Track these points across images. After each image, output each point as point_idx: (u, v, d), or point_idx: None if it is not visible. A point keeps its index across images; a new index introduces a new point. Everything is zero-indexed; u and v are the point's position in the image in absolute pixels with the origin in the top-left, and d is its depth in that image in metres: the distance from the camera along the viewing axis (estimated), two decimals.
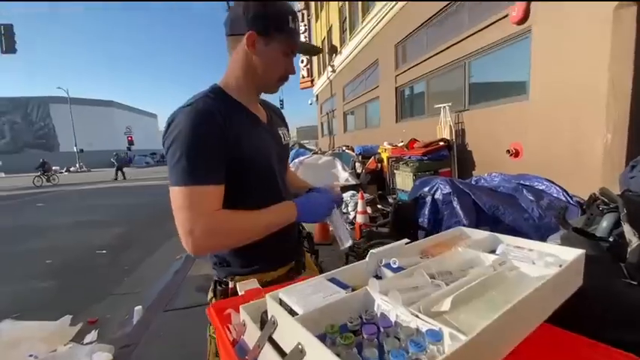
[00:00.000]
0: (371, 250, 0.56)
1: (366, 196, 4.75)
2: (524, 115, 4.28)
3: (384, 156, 6.48)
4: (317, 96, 19.92)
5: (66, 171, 31.43)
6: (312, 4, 18.86)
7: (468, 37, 5.29)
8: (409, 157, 5.41)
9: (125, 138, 40.47)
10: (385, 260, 0.54)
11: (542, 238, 1.76)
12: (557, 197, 3.53)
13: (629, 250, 0.62)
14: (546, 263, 0.52)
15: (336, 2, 13.46)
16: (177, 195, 0.76)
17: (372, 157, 6.85)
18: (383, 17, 8.54)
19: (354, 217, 4.62)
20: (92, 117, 40.13)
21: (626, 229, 0.63)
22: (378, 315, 0.41)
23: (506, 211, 3.32)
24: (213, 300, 0.98)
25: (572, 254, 0.52)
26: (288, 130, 1.11)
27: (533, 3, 4.01)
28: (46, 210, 9.54)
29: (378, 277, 0.55)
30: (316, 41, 18.75)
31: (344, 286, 0.47)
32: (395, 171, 5.73)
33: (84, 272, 4.14)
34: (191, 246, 0.76)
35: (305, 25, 19.75)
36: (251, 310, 0.53)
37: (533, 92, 4.16)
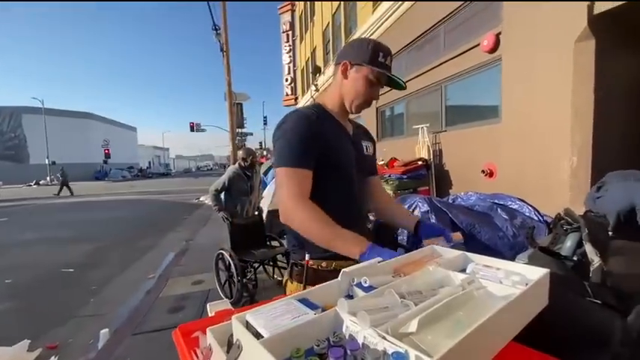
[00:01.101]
0: (343, 269, 0.55)
1: None
2: (497, 138, 4.48)
3: None
4: None
5: (35, 184, 29.79)
6: (297, 26, 19.39)
7: (444, 62, 5.57)
8: (389, 176, 5.51)
9: (102, 151, 39.10)
10: (357, 279, 0.54)
11: (516, 256, 1.81)
12: (530, 216, 3.67)
13: (591, 269, 0.64)
14: (513, 282, 0.53)
15: (320, 25, 13.91)
16: (279, 173, 1.00)
17: None
18: None
19: None
20: (68, 129, 38.65)
21: (588, 248, 0.66)
22: (347, 337, 0.40)
23: (482, 230, 3.42)
24: (289, 282, 1.12)
25: (537, 273, 0.53)
26: (374, 145, 1.29)
27: (502, 35, 4.29)
28: (9, 225, 8.95)
29: (350, 296, 0.55)
30: (300, 62, 19.18)
31: (314, 307, 0.46)
32: None
33: (46, 292, 3.87)
34: (282, 212, 0.99)
35: (289, 46, 20.20)
36: (218, 333, 0.51)
37: (504, 116, 4.39)
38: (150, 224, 8.09)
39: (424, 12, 6.05)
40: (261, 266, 3.53)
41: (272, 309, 0.45)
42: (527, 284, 0.53)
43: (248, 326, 0.43)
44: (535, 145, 3.92)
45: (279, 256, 3.40)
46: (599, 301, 0.60)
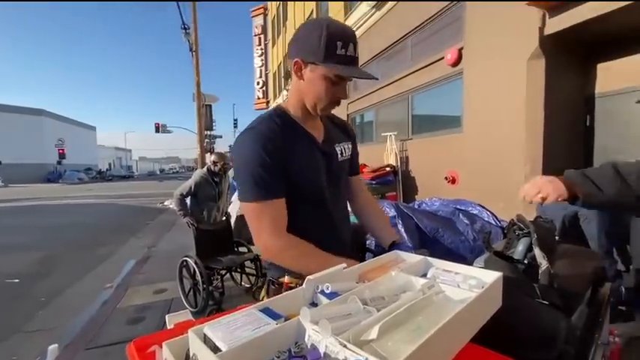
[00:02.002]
0: (308, 277, 0.55)
1: None
2: (459, 146, 4.72)
3: None
4: None
5: None
6: (270, 30, 19.33)
7: (411, 73, 5.79)
8: None
9: (56, 151, 36.22)
10: (321, 286, 0.54)
11: (475, 259, 1.90)
12: (488, 221, 3.91)
13: (540, 271, 0.69)
14: (470, 286, 0.56)
15: (293, 30, 13.96)
16: (247, 209, 0.90)
17: None
18: None
19: None
20: (15, 126, 35.42)
21: (537, 252, 0.71)
22: (309, 346, 0.40)
23: (445, 234, 3.59)
24: (265, 299, 1.02)
25: (491, 277, 0.56)
26: (353, 142, 1.14)
27: (464, 50, 4.55)
28: None
29: (314, 304, 0.54)
30: (272, 65, 19.11)
31: (276, 317, 0.46)
32: None
33: None
34: (261, 249, 0.91)
35: (261, 50, 20.07)
36: (175, 347, 0.48)
37: (466, 126, 4.64)
38: (109, 230, 7.60)
39: (393, 24, 6.27)
40: (228, 273, 3.43)
41: (232, 320, 0.44)
42: (482, 287, 0.55)
43: (206, 339, 0.41)
44: (493, 154, 4.17)
45: (247, 263, 3.33)
46: (546, 302, 0.65)
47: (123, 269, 4.58)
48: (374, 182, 5.47)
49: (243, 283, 3.55)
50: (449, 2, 4.84)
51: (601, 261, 0.95)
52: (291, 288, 0.89)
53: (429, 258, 0.69)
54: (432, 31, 5.43)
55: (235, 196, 5.86)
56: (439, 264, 0.66)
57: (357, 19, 7.50)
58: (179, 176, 43.96)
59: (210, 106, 12.56)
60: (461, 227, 3.77)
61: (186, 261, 3.19)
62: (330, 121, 1.09)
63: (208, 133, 14.25)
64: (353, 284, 0.57)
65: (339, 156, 1.05)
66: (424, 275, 0.64)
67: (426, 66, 5.41)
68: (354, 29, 7.67)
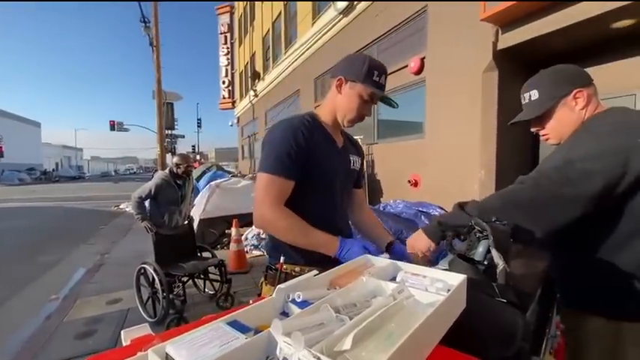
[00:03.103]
0: (279, 286, 0.53)
1: None
2: (421, 151, 4.93)
3: None
4: (238, 118, 19.57)
5: None
6: (236, 28, 18.93)
7: None
8: None
9: None
10: (292, 295, 0.52)
11: (437, 260, 2.00)
12: None
13: (497, 272, 0.73)
14: (437, 289, 0.57)
15: (260, 31, 13.79)
16: (260, 178, 1.03)
17: None
18: (304, 52, 9.05)
19: None
20: None
21: (494, 253, 0.75)
22: (280, 359, 0.38)
23: (409, 235, 3.71)
24: (264, 284, 1.15)
25: (457, 279, 0.58)
26: (362, 159, 1.32)
27: (427, 60, 4.77)
28: None
29: (285, 313, 0.53)
30: (239, 65, 18.70)
31: (245, 329, 0.43)
32: None
33: None
34: (256, 217, 1.03)
35: (227, 48, 19.58)
36: None
37: (428, 132, 4.85)
38: (54, 236, 6.95)
39: (360, 30, 6.42)
40: (190, 280, 3.27)
41: (197, 336, 0.41)
42: (448, 290, 0.57)
43: (168, 359, 0.38)
44: (452, 159, 4.40)
45: (211, 269, 3.20)
46: (505, 300, 0.68)
47: (71, 279, 4.20)
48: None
49: (207, 290, 3.41)
50: (412, 12, 5.05)
51: (549, 261, 1.03)
52: (287, 273, 1.05)
53: (398, 262, 0.70)
54: (396, 40, 5.63)
55: (198, 199, 5.64)
56: (407, 267, 0.67)
57: (325, 23, 7.59)
58: (136, 177, 41.43)
59: (171, 104, 12.00)
60: None
61: (144, 268, 3.00)
62: (347, 137, 1.28)
63: (169, 132, 13.60)
64: (324, 291, 0.57)
65: (352, 164, 1.23)
66: (393, 279, 0.65)
67: (391, 73, 5.59)
68: (322, 33, 7.74)
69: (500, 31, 3.73)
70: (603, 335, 0.95)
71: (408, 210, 4.19)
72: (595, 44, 3.37)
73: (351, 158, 1.23)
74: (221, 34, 19.77)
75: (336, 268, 0.68)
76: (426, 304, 0.52)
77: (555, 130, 1.08)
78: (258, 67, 14.31)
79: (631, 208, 0.88)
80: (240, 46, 18.28)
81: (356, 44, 6.57)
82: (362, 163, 1.32)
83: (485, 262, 0.79)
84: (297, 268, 1.06)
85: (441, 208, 4.05)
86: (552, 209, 0.89)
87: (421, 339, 0.43)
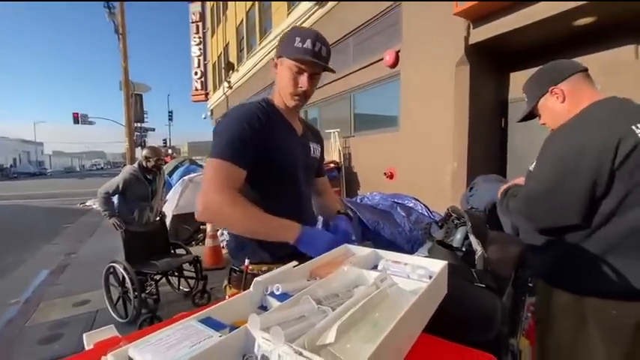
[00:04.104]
0: (256, 278, 0.50)
1: None
2: (396, 144, 5.00)
3: None
4: (212, 110, 18.98)
5: None
6: (208, 17, 18.26)
7: (353, 72, 5.96)
8: None
9: None
10: (270, 287, 0.50)
11: (413, 249, 2.01)
12: (422, 213, 4.22)
13: (476, 257, 0.74)
14: (419, 276, 0.57)
15: (234, 21, 13.38)
16: (208, 164, 0.94)
17: None
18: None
19: None
20: None
21: (473, 240, 0.76)
22: (259, 358, 0.36)
23: (385, 226, 3.79)
24: (228, 288, 1.06)
25: (438, 266, 0.58)
26: (321, 146, 1.25)
27: (401, 53, 4.81)
28: None
29: (264, 307, 0.50)
30: (212, 56, 18.09)
31: (220, 326, 0.40)
32: None
33: None
34: (199, 207, 0.90)
35: (200, 38, 18.87)
36: None
37: (402, 125, 4.93)
38: (14, 236, 6.47)
39: (335, 22, 6.37)
40: (164, 278, 3.15)
41: (165, 336, 0.37)
42: (430, 277, 0.57)
43: None
44: (426, 152, 4.50)
45: (186, 266, 3.10)
46: (483, 285, 0.69)
47: (33, 281, 3.93)
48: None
49: (181, 288, 3.30)
50: (386, 6, 5.06)
51: (523, 245, 1.07)
52: (253, 274, 0.89)
53: (378, 250, 0.69)
54: (371, 33, 5.64)
55: (171, 194, 5.43)
56: (388, 255, 0.66)
57: (300, 14, 7.47)
58: (104, 173, 39.42)
59: (140, 95, 11.41)
60: (398, 219, 4.02)
61: (113, 267, 2.86)
62: (305, 124, 1.21)
63: (139, 125, 12.97)
64: (305, 282, 0.54)
65: (312, 152, 1.16)
66: (374, 268, 0.64)
67: (366, 66, 5.61)
68: (298, 25, 7.64)
69: (471, 26, 3.82)
70: (569, 309, 1.02)
71: (384, 201, 4.25)
72: (560, 40, 3.53)
73: (312, 146, 1.17)
74: (192, 23, 19.01)
75: (316, 258, 0.66)
76: (410, 292, 0.51)
77: (550, 122, 1.15)
78: (232, 58, 13.91)
79: (614, 192, 0.93)
80: (212, 35, 17.66)
81: (330, 37, 6.51)
82: (322, 152, 1.26)
83: (464, 249, 0.80)
84: (265, 267, 0.97)
85: (416, 200, 4.14)
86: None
87: (407, 327, 0.41)
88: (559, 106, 1.10)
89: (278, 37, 1.09)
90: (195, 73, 19.36)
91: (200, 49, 18.97)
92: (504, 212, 1.12)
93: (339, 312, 0.40)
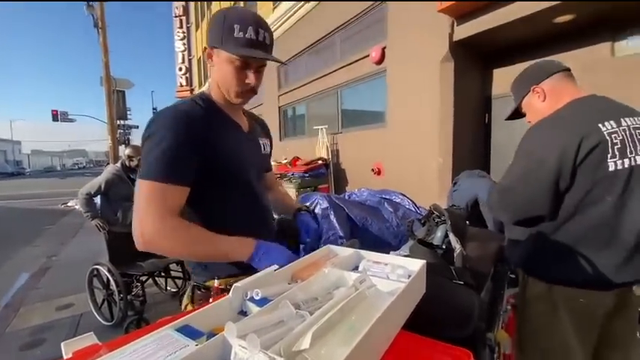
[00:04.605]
0: (235, 284, 0.50)
1: None
2: (383, 140, 5.04)
3: None
4: None
5: None
6: (192, 11, 17.87)
7: (340, 69, 5.95)
8: (292, 174, 5.61)
9: None
10: (250, 292, 0.50)
11: (400, 244, 2.04)
12: (409, 208, 4.29)
13: (455, 255, 0.76)
14: (398, 276, 0.58)
15: None
16: (141, 186, 0.79)
17: None
18: None
19: None
20: None
21: (451, 237, 0.78)
22: None
23: (373, 222, 3.83)
24: (189, 307, 0.94)
25: (416, 265, 0.59)
26: (270, 141, 1.15)
27: (387, 50, 4.83)
28: None
29: (243, 312, 0.50)
30: (197, 50, 17.75)
31: (197, 335, 0.40)
32: None
33: None
34: (137, 239, 0.79)
35: (184, 33, 18.47)
36: None
37: (389, 121, 4.96)
38: None
39: (322, 18, 6.34)
40: (150, 279, 3.11)
41: (141, 347, 0.37)
42: (409, 276, 0.58)
43: None
44: (412, 148, 4.55)
45: (173, 266, 3.06)
46: (462, 282, 0.71)
47: (13, 285, 3.81)
48: (307, 175, 5.54)
49: (169, 288, 3.26)
50: (372, 2, 5.06)
51: (502, 241, 1.10)
52: (222, 289, 0.84)
53: (360, 250, 0.70)
54: (358, 29, 5.64)
55: None
56: (369, 256, 0.67)
57: (285, 10, 7.39)
58: (86, 172, 38.37)
59: (122, 92, 11.12)
60: (386, 215, 4.07)
61: (97, 269, 2.80)
62: (251, 117, 1.10)
63: (122, 122, 12.66)
64: (285, 286, 0.55)
65: (262, 149, 1.07)
66: (356, 268, 0.64)
67: (353, 62, 5.61)
68: (283, 20, 7.55)
69: (455, 23, 3.86)
70: (541, 297, 1.07)
71: (372, 198, 4.29)
72: (541, 38, 3.61)
73: (261, 142, 1.06)
74: (176, 17, 18.57)
75: (298, 260, 0.66)
76: (388, 293, 0.52)
77: (533, 120, 1.19)
78: None
79: (577, 186, 0.97)
80: (197, 30, 17.31)
81: (318, 32, 6.49)
82: (271, 146, 1.15)
83: (444, 247, 0.82)
84: (232, 281, 0.83)
85: (403, 195, 4.19)
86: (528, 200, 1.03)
87: (383, 329, 0.42)
88: (540, 105, 1.15)
89: (210, 20, 0.90)
90: (180, 69, 18.95)
91: (184, 44, 18.58)
92: (489, 208, 1.16)
93: (315, 317, 0.40)
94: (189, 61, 18.84)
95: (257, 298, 0.48)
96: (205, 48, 0.91)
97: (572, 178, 0.95)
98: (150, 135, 0.81)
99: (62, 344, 0.62)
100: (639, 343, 1.10)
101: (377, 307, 0.44)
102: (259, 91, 1.01)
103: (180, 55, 18.85)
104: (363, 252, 0.70)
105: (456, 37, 3.89)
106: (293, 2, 7.04)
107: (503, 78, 4.18)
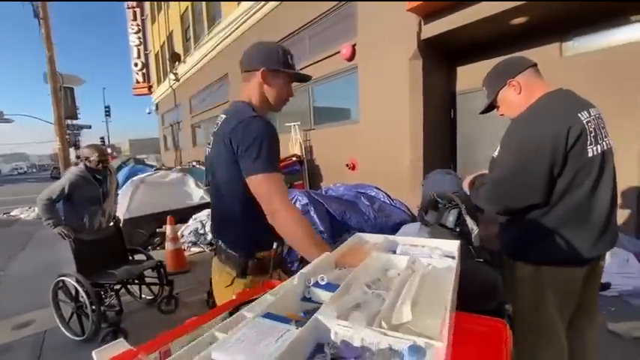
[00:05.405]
0: (301, 271, 0.50)
1: None
2: (357, 136, 5.13)
3: None
4: (157, 105, 17.61)
5: None
6: (147, 4, 16.82)
7: (310, 65, 5.94)
8: None
9: None
10: (313, 279, 0.50)
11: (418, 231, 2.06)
12: (384, 201, 4.43)
13: (472, 236, 0.81)
14: (439, 255, 0.61)
15: (177, 8, 12.52)
16: (267, 179, 1.01)
17: None
18: (231, 33, 8.52)
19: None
20: None
21: (468, 220, 0.83)
22: (339, 344, 0.36)
23: (351, 216, 3.91)
24: (237, 280, 1.10)
25: (453, 245, 0.63)
26: None
27: (357, 47, 4.91)
28: None
29: (307, 298, 0.50)
30: (153, 45, 16.75)
31: (285, 320, 0.40)
32: None
33: None
34: (282, 222, 0.99)
35: (138, 26, 17.34)
36: None
37: (362, 117, 5.06)
38: None
39: (290, 14, 6.28)
40: (123, 287, 2.91)
41: (242, 335, 0.36)
42: (446, 255, 0.61)
43: None
44: (384, 143, 4.69)
45: (147, 272, 2.88)
46: (481, 260, 0.76)
47: None
48: (282, 172, 5.51)
49: (144, 296, 3.08)
50: (337, 2, 5.12)
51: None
52: (263, 258, 1.08)
53: (390, 236, 0.72)
54: (327, 26, 5.66)
55: (120, 196, 4.98)
56: (404, 240, 0.70)
57: (252, 4, 7.22)
58: (29, 178, 34.74)
59: (71, 89, 10.21)
60: (363, 208, 4.17)
61: (62, 281, 2.57)
62: None
63: (71, 122, 11.65)
64: (337, 272, 0.55)
65: None
66: (394, 252, 0.66)
67: (323, 59, 5.63)
68: (250, 14, 7.33)
69: (422, 22, 4.02)
70: (527, 279, 1.14)
71: (348, 192, 4.36)
72: (498, 38, 3.88)
73: None
74: (129, 8, 17.37)
75: (337, 249, 0.67)
76: (442, 269, 0.54)
77: (508, 112, 1.27)
78: (178, 48, 13.03)
79: (566, 173, 1.06)
80: (153, 23, 16.32)
81: (286, 28, 6.43)
82: None
83: (457, 229, 0.87)
84: (264, 253, 1.10)
85: (378, 189, 4.32)
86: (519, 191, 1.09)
87: (455, 299, 0.45)
88: (516, 97, 1.23)
89: (261, 49, 1.19)
90: (136, 65, 17.80)
91: (139, 37, 17.45)
92: (475, 200, 1.22)
93: (397, 292, 0.41)
94: (146, 56, 17.75)
95: (323, 283, 0.48)
96: (252, 71, 1.16)
97: (564, 165, 1.04)
98: (258, 137, 1.03)
99: (93, 353, 0.58)
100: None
101: (443, 281, 0.46)
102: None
103: (135, 50, 17.70)
104: (392, 237, 0.72)
105: (423, 36, 4.05)
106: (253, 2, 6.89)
107: (467, 75, 4.44)
